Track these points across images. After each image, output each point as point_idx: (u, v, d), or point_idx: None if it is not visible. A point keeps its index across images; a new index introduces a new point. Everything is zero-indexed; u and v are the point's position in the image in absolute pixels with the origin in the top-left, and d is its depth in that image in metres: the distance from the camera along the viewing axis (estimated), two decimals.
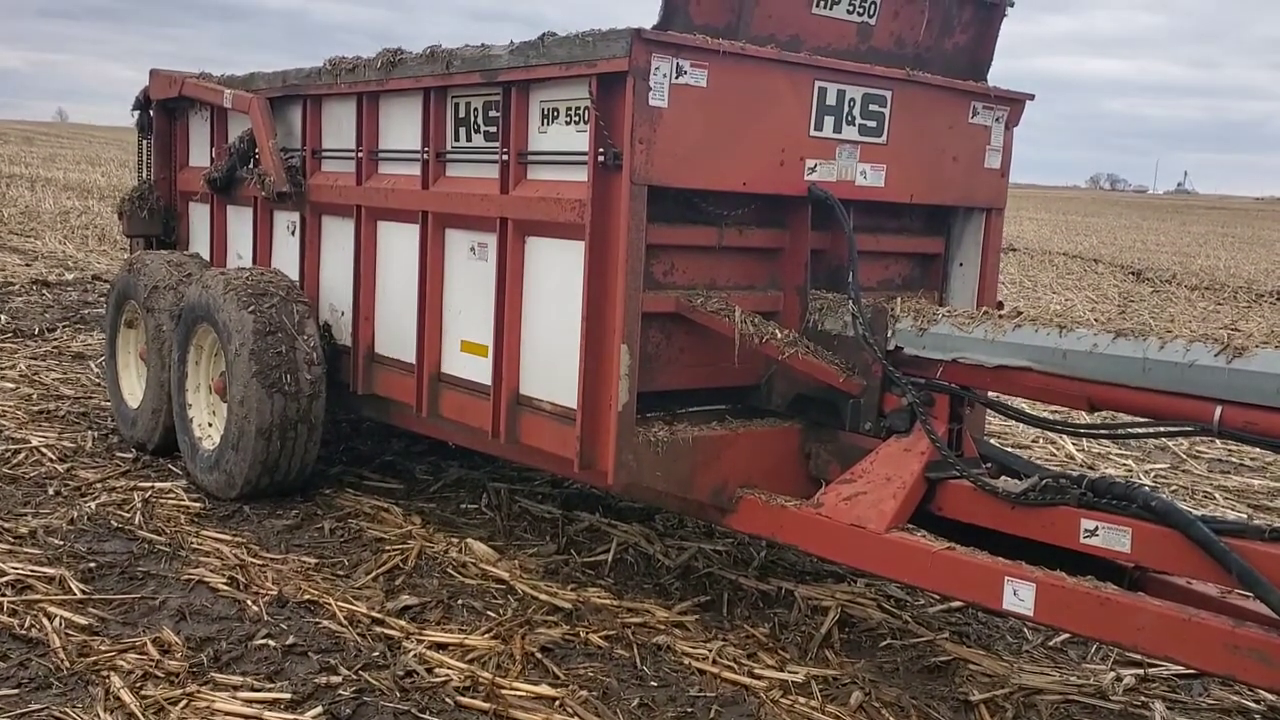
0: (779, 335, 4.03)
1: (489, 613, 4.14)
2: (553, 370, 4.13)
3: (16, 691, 3.40)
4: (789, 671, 3.80)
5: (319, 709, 3.37)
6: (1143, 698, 3.84)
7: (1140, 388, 3.39)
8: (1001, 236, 4.87)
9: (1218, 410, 3.21)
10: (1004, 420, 6.59)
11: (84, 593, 4.11)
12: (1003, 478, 3.80)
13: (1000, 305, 4.53)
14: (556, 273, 4.10)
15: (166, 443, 5.72)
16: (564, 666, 3.75)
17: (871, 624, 4.25)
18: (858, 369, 4.05)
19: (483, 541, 4.81)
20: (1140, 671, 3.99)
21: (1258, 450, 6.69)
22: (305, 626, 3.94)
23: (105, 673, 3.52)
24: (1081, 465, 6.79)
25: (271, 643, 3.79)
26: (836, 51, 4.22)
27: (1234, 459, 7.25)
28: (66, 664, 3.56)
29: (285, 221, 5.66)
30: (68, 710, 3.30)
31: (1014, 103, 4.71)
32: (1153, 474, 6.74)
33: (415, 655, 3.75)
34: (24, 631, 3.77)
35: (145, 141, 6.80)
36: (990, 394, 4.11)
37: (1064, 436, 7.12)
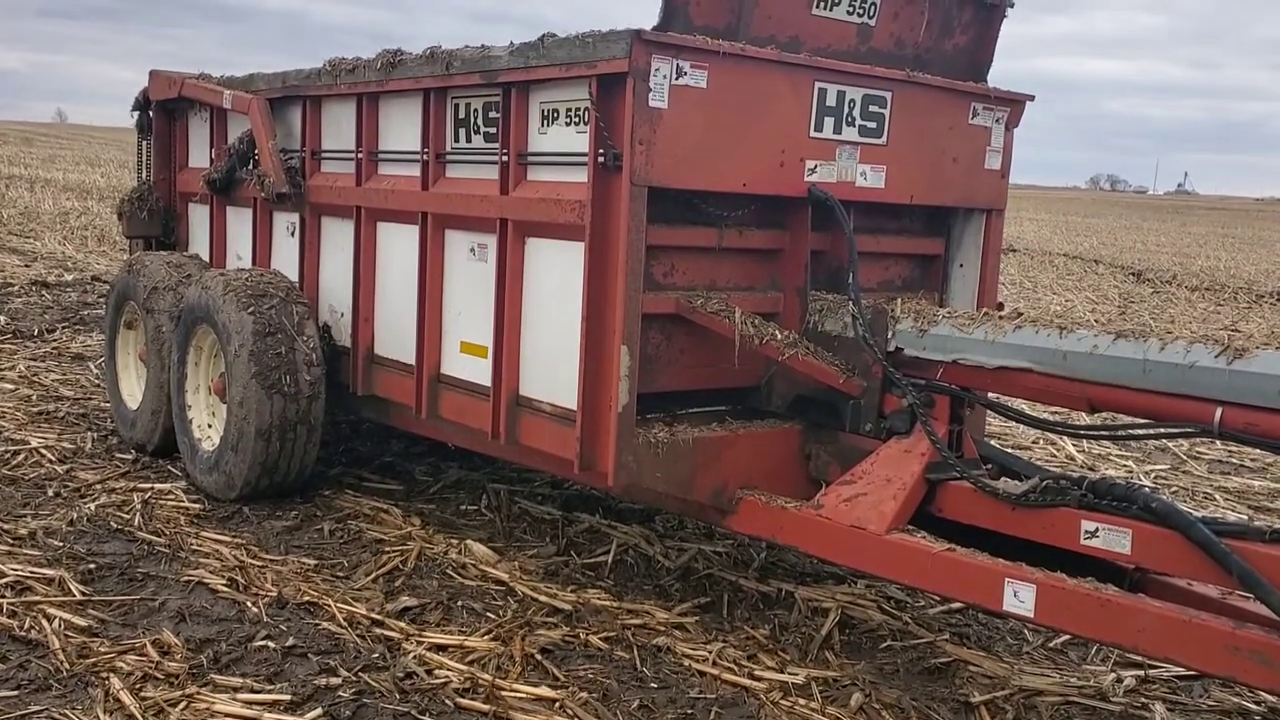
0: (779, 336, 4.03)
1: (489, 614, 4.14)
2: (553, 371, 4.12)
3: (16, 693, 3.40)
4: (789, 673, 3.79)
5: (319, 710, 3.37)
6: (1143, 699, 3.83)
7: (1141, 389, 3.39)
8: (1001, 237, 4.87)
9: (1218, 412, 3.21)
10: (1004, 421, 6.59)
11: (83, 594, 4.11)
12: (1003, 479, 3.79)
13: (1000, 306, 4.52)
14: (556, 274, 4.10)
15: (166, 444, 5.72)
16: (564, 668, 3.75)
17: (872, 625, 4.25)
18: (858, 370, 4.05)
19: (482, 543, 4.81)
20: (1141, 673, 3.98)
21: (1258, 452, 6.69)
22: (305, 628, 3.93)
23: (105, 674, 3.51)
24: (1082, 466, 6.79)
25: (271, 644, 3.78)
26: (836, 52, 4.22)
27: (1234, 460, 7.25)
28: (66, 666, 3.56)
29: (285, 222, 5.66)
30: (67, 712, 3.30)
31: (1014, 104, 4.71)
32: (1153, 475, 6.74)
33: (415, 657, 3.75)
34: (23, 633, 3.77)
35: (145, 142, 6.80)
36: (990, 395, 4.11)
37: (1064, 438, 7.12)
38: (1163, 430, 3.56)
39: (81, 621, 3.87)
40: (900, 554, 3.57)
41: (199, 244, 6.49)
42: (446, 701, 3.48)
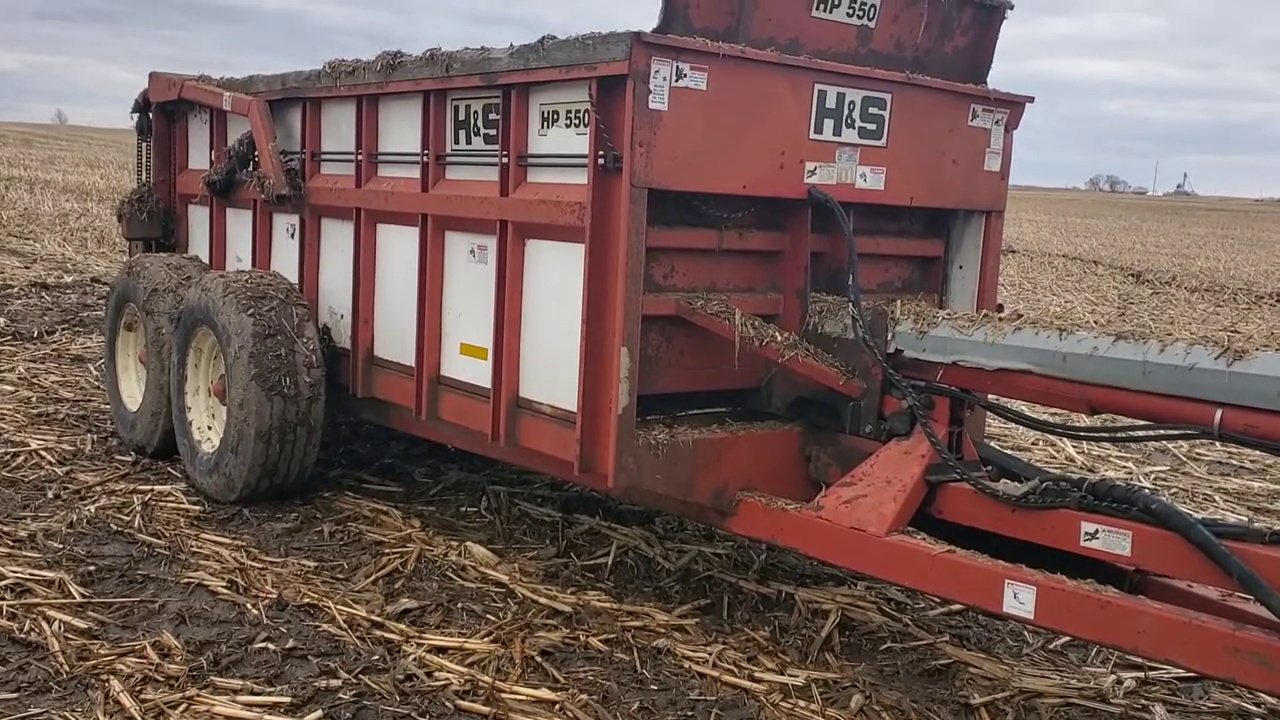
0: (779, 338, 4.03)
1: (489, 616, 4.14)
2: (553, 373, 4.12)
3: (16, 695, 3.40)
4: (789, 675, 3.79)
5: (319, 713, 3.37)
6: (1143, 701, 3.83)
7: (1140, 391, 3.39)
8: (1001, 239, 4.87)
9: (1218, 413, 3.21)
10: (1004, 423, 6.59)
11: (83, 596, 4.11)
12: (1003, 480, 3.79)
13: (1000, 308, 4.53)
14: (556, 275, 4.10)
15: (166, 446, 5.72)
16: (564, 670, 3.75)
17: (872, 627, 4.25)
18: (858, 372, 4.05)
19: (482, 545, 4.81)
20: (1141, 674, 3.98)
21: (1258, 453, 6.70)
22: (305, 630, 3.93)
23: (105, 676, 3.51)
24: (1081, 468, 6.79)
25: (271, 646, 3.78)
26: (836, 54, 4.22)
27: (1234, 462, 7.25)
28: (66, 668, 3.56)
29: (285, 224, 5.66)
30: (67, 714, 3.30)
31: (1014, 105, 4.71)
32: (1153, 477, 6.74)
33: (415, 659, 3.75)
34: (23, 635, 3.77)
35: (144, 144, 6.80)
36: (990, 397, 4.11)
37: (1064, 439, 7.12)
38: (1162, 432, 3.56)
39: (81, 624, 3.87)
40: (900, 556, 3.57)
41: (199, 246, 6.49)
42: (446, 704, 3.48)
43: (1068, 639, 4.19)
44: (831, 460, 4.16)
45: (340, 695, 3.49)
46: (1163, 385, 3.33)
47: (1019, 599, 3.25)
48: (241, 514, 5.08)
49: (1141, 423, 3.57)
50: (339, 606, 4.10)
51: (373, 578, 4.43)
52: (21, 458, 5.69)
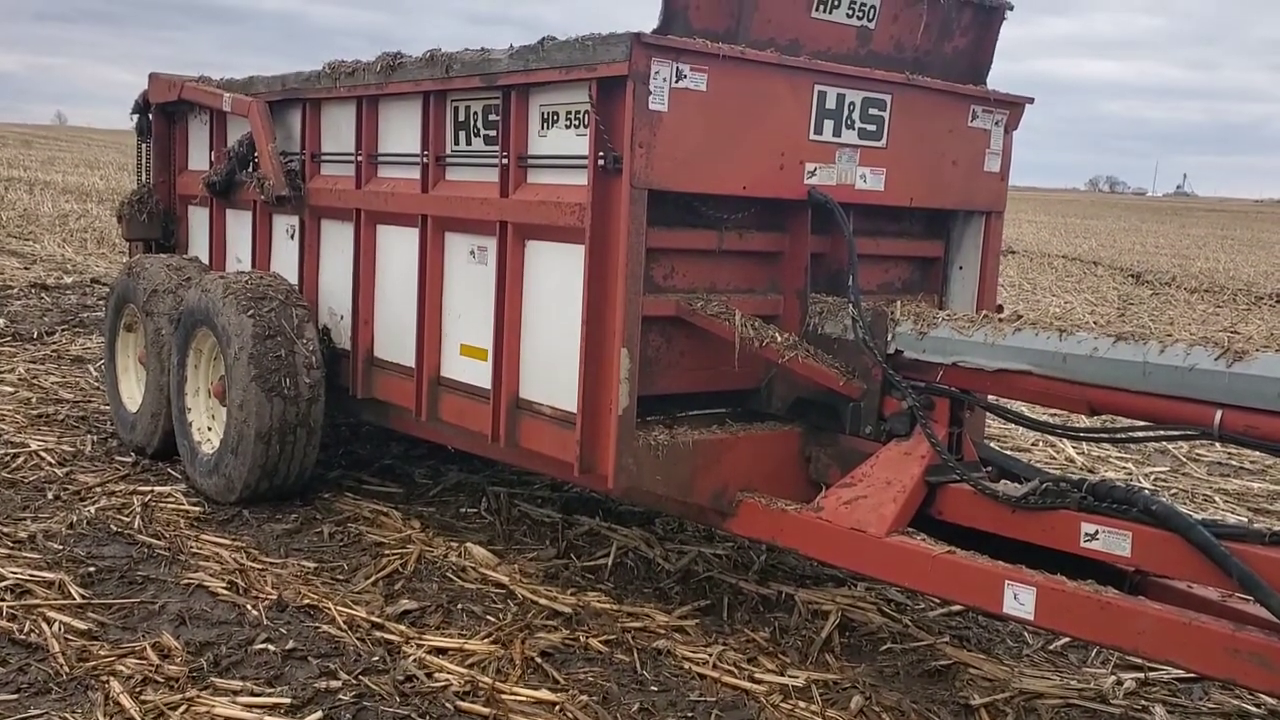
0: (779, 339, 4.03)
1: (489, 617, 4.14)
2: (553, 374, 4.12)
3: (16, 697, 3.40)
4: (789, 676, 3.79)
5: (319, 714, 3.37)
6: (1143, 701, 3.83)
7: (1140, 391, 3.39)
8: (1001, 239, 4.87)
9: (1218, 414, 3.21)
10: (1004, 424, 6.59)
11: (83, 597, 4.10)
12: (1003, 481, 3.79)
13: (1000, 308, 4.53)
14: (556, 276, 4.10)
15: (166, 447, 5.72)
16: (564, 671, 3.75)
17: (872, 628, 4.25)
18: (858, 372, 4.05)
19: (482, 546, 4.81)
20: (1141, 675, 3.98)
21: (1258, 454, 6.70)
22: (305, 631, 3.93)
23: (105, 678, 3.51)
24: (1081, 469, 6.79)
25: (271, 647, 3.78)
26: (836, 55, 4.22)
27: (1234, 463, 7.25)
28: (66, 669, 3.56)
29: (284, 225, 5.66)
30: (67, 715, 3.30)
31: (1013, 106, 4.71)
32: (1152, 477, 6.74)
33: (415, 660, 3.74)
34: (23, 636, 3.77)
35: (144, 145, 6.80)
36: (990, 398, 4.11)
37: (1064, 440, 7.12)
38: (1162, 433, 3.56)
39: (81, 625, 3.87)
40: (900, 556, 3.57)
41: (199, 247, 6.49)
42: (447, 705, 3.48)
43: (1068, 640, 4.19)
44: (831, 461, 4.16)
45: (340, 696, 3.49)
46: (1163, 386, 3.33)
47: (1019, 600, 3.26)
48: (241, 515, 5.08)
49: (1141, 423, 3.57)
50: (339, 607, 4.10)
51: (373, 579, 4.43)
52: (21, 459, 5.69)
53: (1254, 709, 3.83)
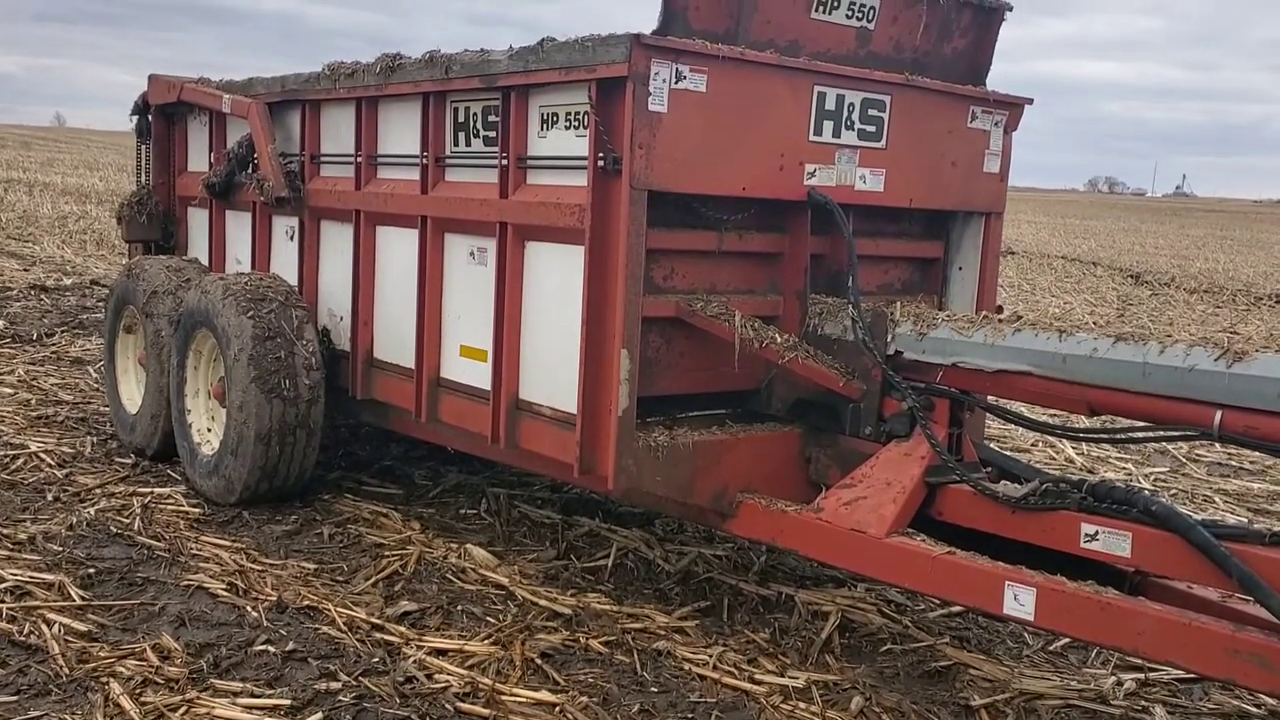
0: (779, 340, 4.03)
1: (489, 618, 4.14)
2: (552, 375, 4.12)
3: (15, 698, 3.39)
4: (789, 677, 3.79)
5: (319, 715, 3.37)
6: (1143, 702, 3.83)
7: (1140, 392, 3.39)
8: (1000, 240, 4.87)
9: (1218, 415, 3.21)
10: (1003, 424, 6.59)
11: (83, 599, 4.10)
12: (1003, 482, 3.79)
13: (999, 309, 4.53)
14: (556, 277, 4.10)
15: (165, 448, 5.72)
16: (564, 672, 3.74)
17: (872, 629, 4.25)
18: (858, 373, 4.05)
19: (482, 547, 4.80)
20: (1141, 676, 3.98)
21: (1257, 454, 6.70)
22: (305, 632, 3.93)
23: (105, 679, 3.51)
24: (1081, 469, 6.79)
25: (271, 649, 3.78)
26: (836, 56, 4.22)
27: (1233, 463, 7.25)
28: (66, 670, 3.56)
29: (284, 226, 5.66)
30: (67, 717, 3.30)
31: (1013, 107, 4.71)
32: (1152, 478, 6.74)
33: (415, 661, 3.74)
34: (23, 638, 3.77)
35: (144, 146, 6.80)
36: (990, 398, 4.11)
37: (1063, 441, 7.12)
38: (1162, 433, 3.56)
39: (81, 626, 3.87)
40: (900, 557, 3.57)
41: (198, 248, 6.49)
42: (447, 706, 3.48)
43: (1068, 641, 4.19)
44: (831, 462, 4.16)
45: (340, 697, 3.49)
46: (1162, 387, 3.33)
47: (1019, 601, 3.26)
48: (241, 516, 5.07)
49: (1141, 424, 3.57)
50: (339, 609, 4.10)
51: (372, 580, 4.43)
52: (21, 460, 5.69)
53: (1254, 709, 3.83)
